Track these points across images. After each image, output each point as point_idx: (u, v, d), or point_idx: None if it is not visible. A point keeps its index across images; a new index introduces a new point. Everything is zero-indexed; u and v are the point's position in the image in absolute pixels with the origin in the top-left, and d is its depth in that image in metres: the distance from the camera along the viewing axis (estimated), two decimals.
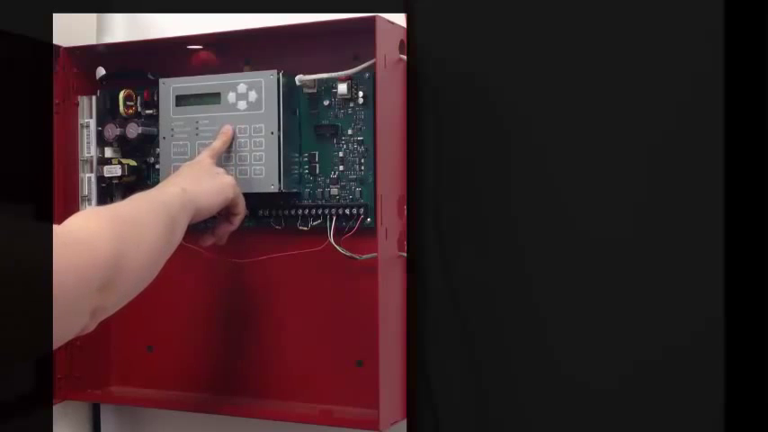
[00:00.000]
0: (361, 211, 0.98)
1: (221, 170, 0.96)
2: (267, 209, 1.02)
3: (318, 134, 1.01)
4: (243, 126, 1.00)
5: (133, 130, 1.08)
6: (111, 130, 1.09)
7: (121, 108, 1.09)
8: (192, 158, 1.00)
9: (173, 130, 1.04)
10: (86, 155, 1.10)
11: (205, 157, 0.96)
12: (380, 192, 0.93)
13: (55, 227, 0.67)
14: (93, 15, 1.19)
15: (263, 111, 0.99)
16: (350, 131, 1.00)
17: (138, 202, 0.83)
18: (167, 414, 1.15)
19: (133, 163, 1.09)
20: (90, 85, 1.12)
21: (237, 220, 0.97)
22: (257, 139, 0.99)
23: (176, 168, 0.97)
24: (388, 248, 0.94)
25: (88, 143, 1.10)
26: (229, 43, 1.06)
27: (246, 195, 0.97)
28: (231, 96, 1.00)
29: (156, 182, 1.05)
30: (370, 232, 0.96)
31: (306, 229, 1.01)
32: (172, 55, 1.09)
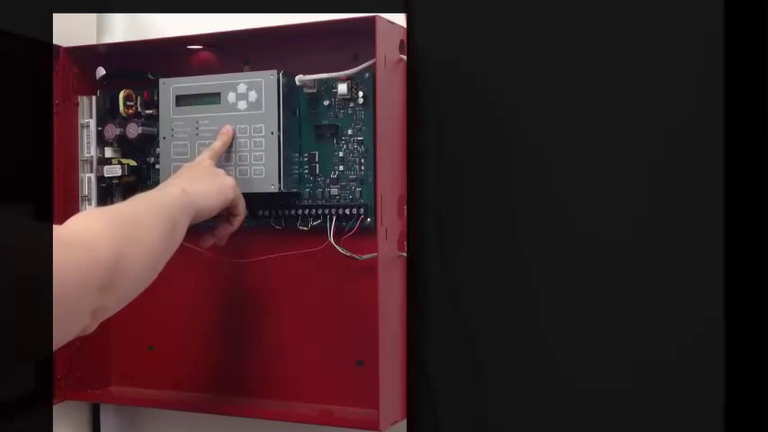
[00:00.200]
0: (361, 211, 0.98)
1: (221, 171, 0.96)
2: (267, 209, 1.03)
3: (318, 134, 1.01)
4: (243, 126, 1.00)
5: (133, 130, 1.08)
6: (111, 130, 1.09)
7: (121, 108, 1.09)
8: (192, 158, 1.00)
9: (173, 130, 1.04)
10: (86, 155, 1.10)
11: (205, 158, 0.96)
12: (380, 192, 0.93)
13: (56, 227, 0.67)
14: (93, 15, 1.19)
15: (263, 111, 0.99)
16: (350, 131, 1.00)
17: (139, 203, 0.83)
18: (167, 414, 1.15)
19: (133, 163, 1.09)
20: (90, 85, 1.12)
21: (238, 222, 0.97)
22: (257, 140, 0.99)
23: (176, 168, 0.97)
24: (388, 248, 0.94)
25: (88, 143, 1.10)
26: (229, 43, 1.06)
27: (246, 195, 0.97)
28: (231, 96, 1.00)
29: (156, 182, 1.05)
30: (370, 232, 0.96)
31: (306, 229, 1.01)
32: (172, 55, 1.09)
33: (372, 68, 0.94)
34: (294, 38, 1.02)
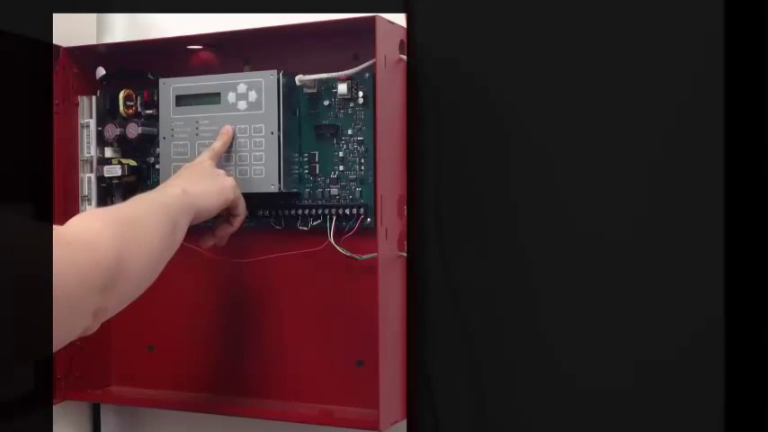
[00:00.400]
0: (361, 211, 0.98)
1: (222, 171, 0.96)
2: (267, 209, 1.03)
3: (318, 134, 1.01)
4: (243, 126, 1.00)
5: (133, 130, 1.08)
6: (111, 130, 1.09)
7: (121, 108, 1.09)
8: (191, 158, 1.00)
9: (173, 130, 1.04)
10: (86, 155, 1.10)
11: (205, 159, 0.96)
12: (380, 192, 0.93)
13: (57, 228, 0.67)
14: (93, 15, 1.19)
15: (263, 111, 0.99)
16: (350, 131, 1.00)
17: (139, 204, 0.83)
18: (167, 414, 1.15)
19: (133, 163, 1.09)
20: (90, 85, 1.12)
21: (238, 222, 0.97)
22: (257, 140, 0.99)
23: (176, 168, 0.97)
24: (388, 248, 0.94)
25: (88, 143, 1.10)
26: (229, 43, 1.06)
27: (246, 195, 0.97)
28: (231, 96, 1.00)
29: (156, 182, 1.05)
30: (370, 232, 0.96)
31: (306, 229, 1.01)
32: (172, 55, 1.09)
33: (372, 68, 0.94)
34: (294, 38, 1.02)
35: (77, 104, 1.11)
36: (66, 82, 1.09)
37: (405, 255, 0.97)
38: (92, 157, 1.10)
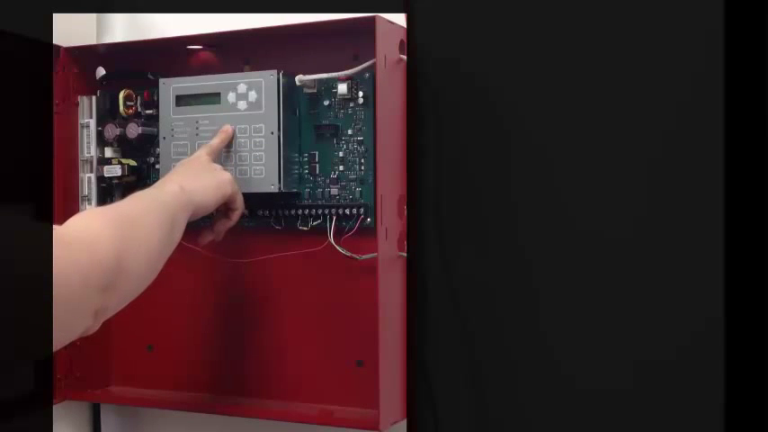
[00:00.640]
0: (361, 211, 0.98)
1: (218, 166, 0.96)
2: (267, 209, 1.03)
3: (318, 134, 1.01)
4: (243, 126, 1.00)
5: (133, 130, 1.08)
6: (111, 130, 1.09)
7: (121, 108, 1.09)
8: None
9: (173, 130, 1.04)
10: (86, 155, 1.10)
11: (202, 154, 0.96)
12: (380, 192, 0.93)
13: (56, 228, 0.67)
14: (93, 15, 1.19)
15: (263, 111, 0.99)
16: (350, 131, 1.00)
17: (138, 202, 0.83)
18: (167, 414, 1.15)
19: (133, 163, 1.09)
20: (90, 85, 1.12)
21: (236, 216, 0.97)
22: (257, 139, 0.99)
23: None
24: (388, 248, 0.94)
25: (88, 143, 1.10)
26: (229, 43, 1.06)
27: (246, 195, 0.98)
28: (231, 96, 1.00)
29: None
30: (370, 232, 0.96)
31: (306, 229, 1.01)
32: (172, 55, 1.09)
33: (372, 68, 0.94)
34: (294, 38, 1.02)
35: (77, 104, 1.11)
36: (66, 82, 1.09)
37: (405, 255, 0.97)
38: (92, 157, 1.10)
